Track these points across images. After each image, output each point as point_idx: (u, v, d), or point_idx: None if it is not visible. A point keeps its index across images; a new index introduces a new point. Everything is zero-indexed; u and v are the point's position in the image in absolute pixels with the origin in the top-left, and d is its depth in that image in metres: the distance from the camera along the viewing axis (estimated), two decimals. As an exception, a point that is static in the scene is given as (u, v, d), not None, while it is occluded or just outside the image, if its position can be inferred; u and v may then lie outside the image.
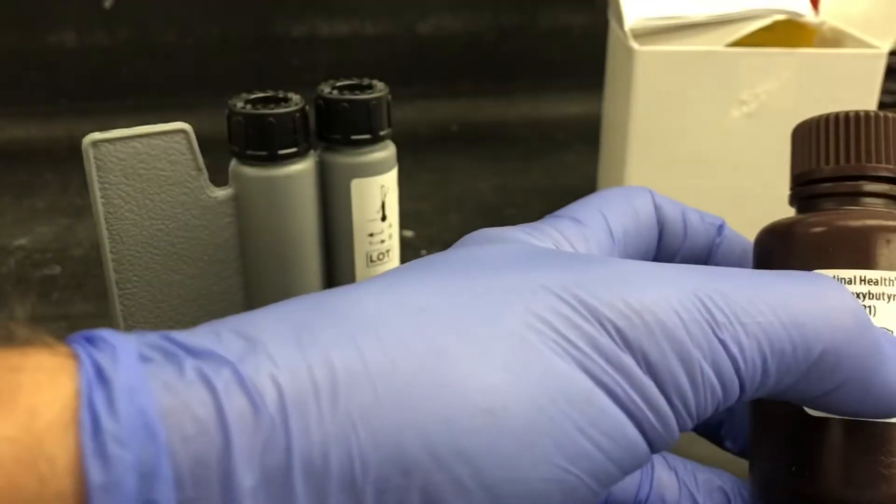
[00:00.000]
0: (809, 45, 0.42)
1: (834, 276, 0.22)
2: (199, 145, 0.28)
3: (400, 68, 0.71)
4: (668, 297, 0.18)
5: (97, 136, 0.26)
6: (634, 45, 0.38)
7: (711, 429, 0.27)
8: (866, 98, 0.37)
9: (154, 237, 0.28)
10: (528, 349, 0.17)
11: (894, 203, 0.24)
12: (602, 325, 0.18)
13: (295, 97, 0.30)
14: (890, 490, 0.21)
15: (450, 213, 0.51)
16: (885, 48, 0.37)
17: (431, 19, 0.70)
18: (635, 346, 0.18)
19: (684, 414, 0.18)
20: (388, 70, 0.70)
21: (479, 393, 0.16)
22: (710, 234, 0.27)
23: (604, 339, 0.18)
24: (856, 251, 0.22)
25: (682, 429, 0.19)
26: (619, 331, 0.18)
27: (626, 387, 0.18)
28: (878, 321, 0.22)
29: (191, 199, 0.29)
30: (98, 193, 0.27)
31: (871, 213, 0.23)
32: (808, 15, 0.39)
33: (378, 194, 0.31)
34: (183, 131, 0.28)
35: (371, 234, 0.31)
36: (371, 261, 0.32)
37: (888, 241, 0.22)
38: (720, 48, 0.38)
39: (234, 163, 0.30)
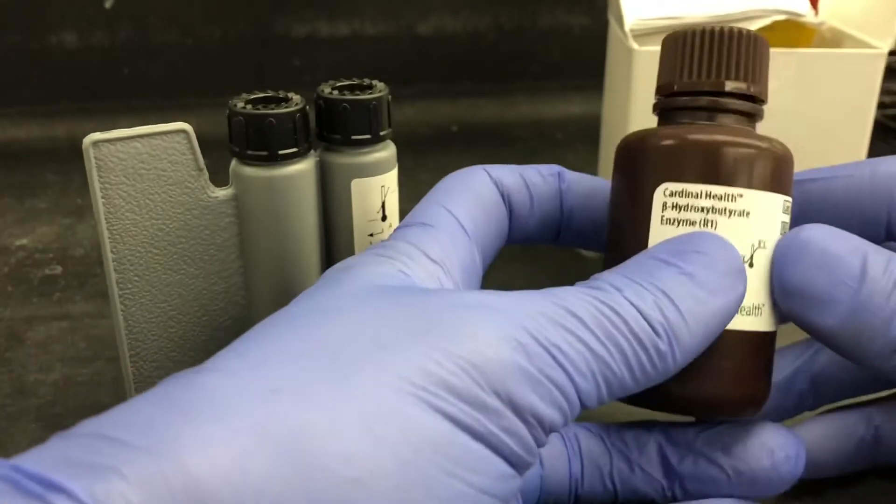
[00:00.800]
0: (809, 45, 0.43)
1: (682, 190, 0.23)
2: (200, 145, 0.28)
3: (400, 68, 0.71)
4: (510, 332, 0.19)
5: (98, 136, 0.26)
6: (634, 45, 0.38)
7: None
8: (866, 98, 0.37)
9: (155, 237, 0.28)
10: (384, 407, 0.17)
11: (749, 120, 0.25)
12: (457, 367, 0.18)
13: (295, 97, 0.30)
14: (724, 386, 0.23)
15: (450, 213, 0.51)
16: (885, 48, 0.37)
17: (432, 20, 0.70)
18: (488, 381, 0.18)
19: (541, 432, 0.19)
20: (389, 70, 0.70)
21: (342, 464, 0.16)
22: (553, 185, 0.28)
23: (456, 380, 0.18)
24: (704, 166, 0.23)
25: (539, 446, 0.19)
26: (472, 368, 0.18)
27: (485, 421, 0.18)
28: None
29: (191, 199, 0.29)
30: (99, 193, 0.27)
31: (722, 130, 0.24)
32: (808, 15, 0.39)
33: (378, 194, 0.31)
34: (183, 131, 0.28)
35: (371, 235, 0.31)
36: (371, 261, 0.32)
37: (735, 159, 0.23)
38: None
39: (234, 163, 0.30)
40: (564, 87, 0.72)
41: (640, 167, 0.24)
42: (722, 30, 0.24)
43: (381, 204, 0.31)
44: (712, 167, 0.23)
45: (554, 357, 0.19)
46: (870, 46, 0.38)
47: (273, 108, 0.29)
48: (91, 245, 0.48)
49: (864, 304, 0.22)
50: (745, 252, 0.23)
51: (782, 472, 0.25)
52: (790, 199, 0.24)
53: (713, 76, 0.24)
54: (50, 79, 0.65)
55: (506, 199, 0.27)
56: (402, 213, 0.34)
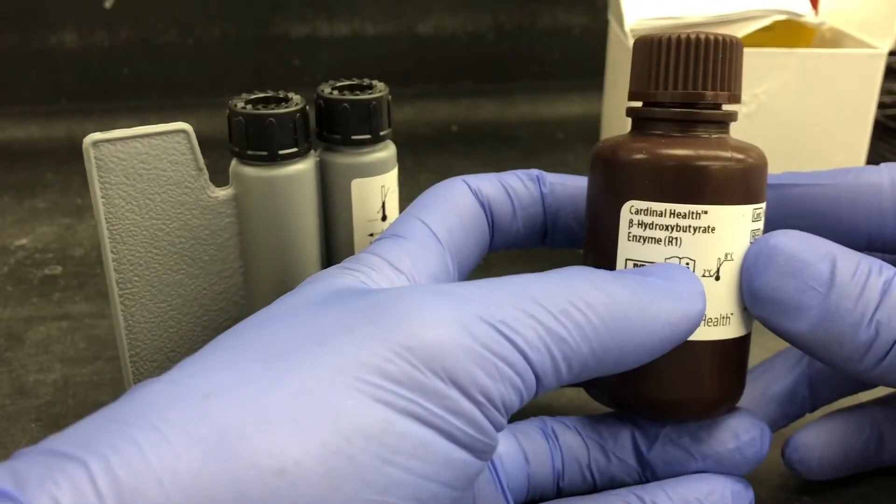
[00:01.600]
0: (809, 45, 0.43)
1: (647, 208, 0.23)
2: (200, 145, 0.28)
3: (400, 68, 0.71)
4: (450, 313, 0.19)
5: (98, 136, 0.26)
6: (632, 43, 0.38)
7: None
8: (866, 98, 0.38)
9: (155, 237, 0.28)
10: (314, 400, 0.17)
11: (723, 127, 0.25)
12: (392, 353, 0.18)
13: (295, 97, 0.30)
14: (694, 391, 0.24)
15: (450, 213, 0.51)
16: (885, 48, 0.37)
17: (431, 20, 0.70)
18: (426, 363, 0.18)
19: (492, 409, 0.19)
20: (389, 70, 0.70)
21: (268, 457, 0.17)
22: (534, 190, 0.28)
23: (392, 366, 0.18)
24: (669, 185, 0.23)
25: (497, 427, 0.19)
26: (407, 351, 0.18)
27: (426, 403, 0.18)
28: (682, 252, 0.23)
29: (191, 200, 0.29)
30: (99, 193, 0.27)
31: (693, 143, 0.23)
32: (808, 15, 0.40)
33: (378, 194, 0.31)
34: (183, 131, 0.28)
35: (371, 235, 0.31)
36: (371, 261, 0.32)
37: (699, 177, 0.23)
38: None
39: (234, 163, 0.30)
40: (564, 87, 0.72)
41: (610, 181, 0.24)
42: (696, 38, 0.23)
43: (381, 204, 0.31)
44: (677, 186, 0.23)
45: (502, 333, 0.19)
46: (870, 46, 0.38)
47: (273, 108, 0.29)
48: (91, 245, 0.48)
49: (833, 310, 0.22)
50: (710, 266, 0.23)
51: (748, 454, 0.25)
52: (762, 205, 0.24)
53: (686, 87, 0.24)
54: (50, 79, 0.65)
55: (486, 207, 0.27)
56: (402, 213, 0.34)
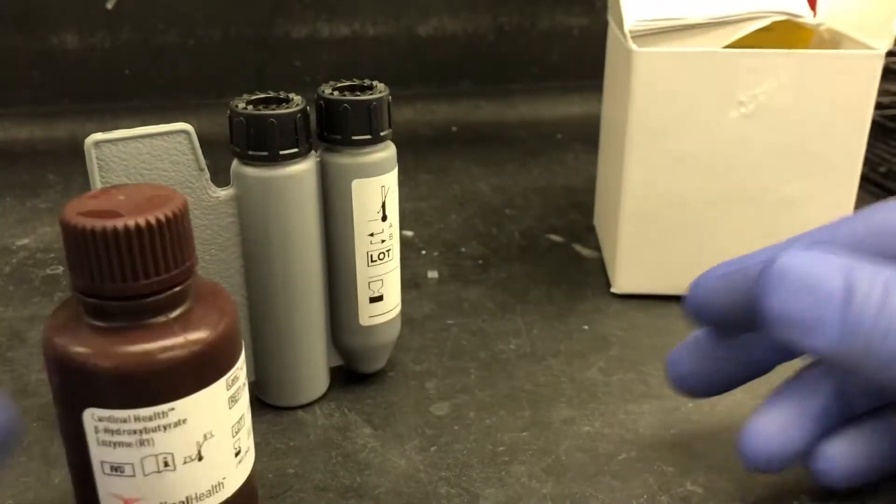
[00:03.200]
0: (807, 46, 0.43)
1: (109, 416, 0.21)
2: (201, 146, 0.28)
3: (400, 69, 0.71)
4: None
5: (99, 136, 0.27)
6: (633, 46, 0.38)
7: None
8: (864, 99, 0.38)
9: (156, 237, 0.28)
10: None
11: (179, 302, 0.22)
12: None
13: (296, 98, 0.30)
14: None
15: (450, 213, 0.52)
16: (883, 49, 0.37)
17: (431, 21, 0.70)
18: None
19: None
20: (389, 71, 0.70)
21: None
22: None
23: None
24: (122, 393, 0.21)
25: None
26: None
27: None
28: (157, 450, 0.22)
29: (192, 200, 0.29)
30: (101, 193, 0.27)
31: (137, 339, 0.21)
32: (807, 16, 0.40)
33: (379, 194, 0.31)
34: (185, 132, 0.28)
35: (371, 234, 0.31)
36: (372, 260, 0.32)
37: (151, 380, 0.21)
38: (718, 49, 0.38)
39: (235, 163, 0.30)
40: (564, 87, 0.73)
41: (66, 383, 0.22)
42: (114, 229, 0.20)
43: (381, 204, 0.31)
44: (130, 393, 0.21)
45: None
46: (867, 47, 0.38)
47: (274, 109, 0.29)
48: (92, 245, 0.48)
49: (855, 321, 0.22)
50: (190, 452, 0.22)
51: None
52: (236, 365, 0.23)
53: (118, 281, 0.21)
54: (51, 79, 0.65)
55: None
56: (402, 213, 0.34)
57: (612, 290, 0.42)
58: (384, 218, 0.32)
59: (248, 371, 0.25)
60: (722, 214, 0.40)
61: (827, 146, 0.38)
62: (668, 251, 0.41)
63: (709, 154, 0.39)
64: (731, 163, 0.39)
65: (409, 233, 0.49)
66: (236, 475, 0.24)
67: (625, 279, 0.42)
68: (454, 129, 0.68)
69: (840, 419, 0.28)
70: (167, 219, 0.21)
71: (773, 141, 0.38)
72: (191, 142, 0.28)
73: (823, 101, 0.38)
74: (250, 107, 0.29)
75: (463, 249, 0.47)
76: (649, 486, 0.29)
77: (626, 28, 0.39)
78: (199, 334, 0.22)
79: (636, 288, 0.42)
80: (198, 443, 0.22)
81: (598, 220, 0.49)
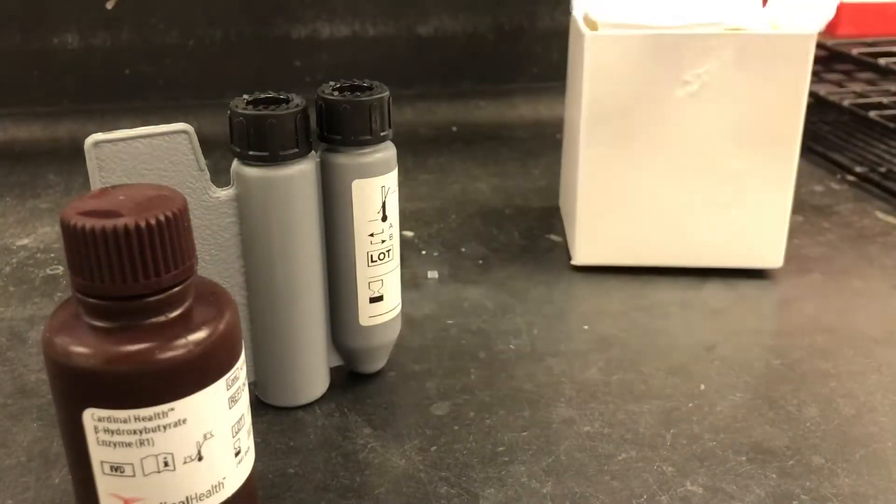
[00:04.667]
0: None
1: (109, 416, 0.21)
2: (201, 146, 0.28)
3: (400, 70, 0.71)
4: None
5: (100, 136, 0.27)
6: (585, 30, 0.40)
7: None
8: (800, 76, 0.40)
9: (156, 237, 0.28)
10: None
11: (179, 303, 0.22)
12: None
13: (296, 98, 0.30)
14: None
15: (450, 213, 0.52)
16: (815, 30, 0.40)
17: (431, 21, 0.70)
18: None
19: None
20: (389, 71, 0.70)
21: None
22: None
23: None
24: (121, 393, 0.21)
25: None
26: None
27: None
28: (157, 450, 0.22)
29: (193, 200, 0.29)
30: (101, 194, 0.27)
31: (140, 339, 0.21)
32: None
33: (379, 195, 0.31)
34: (185, 132, 0.28)
35: (372, 234, 0.32)
36: (372, 261, 0.32)
37: (151, 381, 0.21)
38: (664, 31, 0.40)
39: (235, 163, 0.30)
40: (563, 88, 0.73)
41: (66, 383, 0.22)
42: (114, 229, 0.20)
43: (381, 204, 0.31)
44: (130, 393, 0.21)
45: None
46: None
47: (274, 109, 0.29)
48: (92, 245, 0.48)
49: None
50: (190, 452, 0.22)
51: None
52: (237, 365, 0.23)
53: (118, 281, 0.21)
54: (52, 80, 0.65)
55: None
56: (402, 213, 0.34)
57: (572, 262, 0.44)
58: (384, 218, 0.32)
59: (248, 371, 0.25)
60: (670, 187, 0.43)
61: (767, 121, 0.41)
62: (624, 224, 0.43)
63: (658, 131, 0.42)
64: (679, 139, 0.42)
65: (409, 233, 0.49)
66: (236, 475, 0.24)
67: (584, 252, 0.44)
68: (454, 129, 0.68)
69: None
70: (167, 219, 0.21)
71: (718, 118, 0.41)
72: (191, 142, 0.28)
73: (763, 79, 0.40)
74: (250, 107, 0.29)
75: (463, 249, 0.47)
76: (649, 486, 0.29)
77: (574, 12, 0.42)
78: (199, 334, 0.22)
79: (595, 260, 0.44)
80: (198, 443, 0.22)
81: (562, 201, 0.51)
